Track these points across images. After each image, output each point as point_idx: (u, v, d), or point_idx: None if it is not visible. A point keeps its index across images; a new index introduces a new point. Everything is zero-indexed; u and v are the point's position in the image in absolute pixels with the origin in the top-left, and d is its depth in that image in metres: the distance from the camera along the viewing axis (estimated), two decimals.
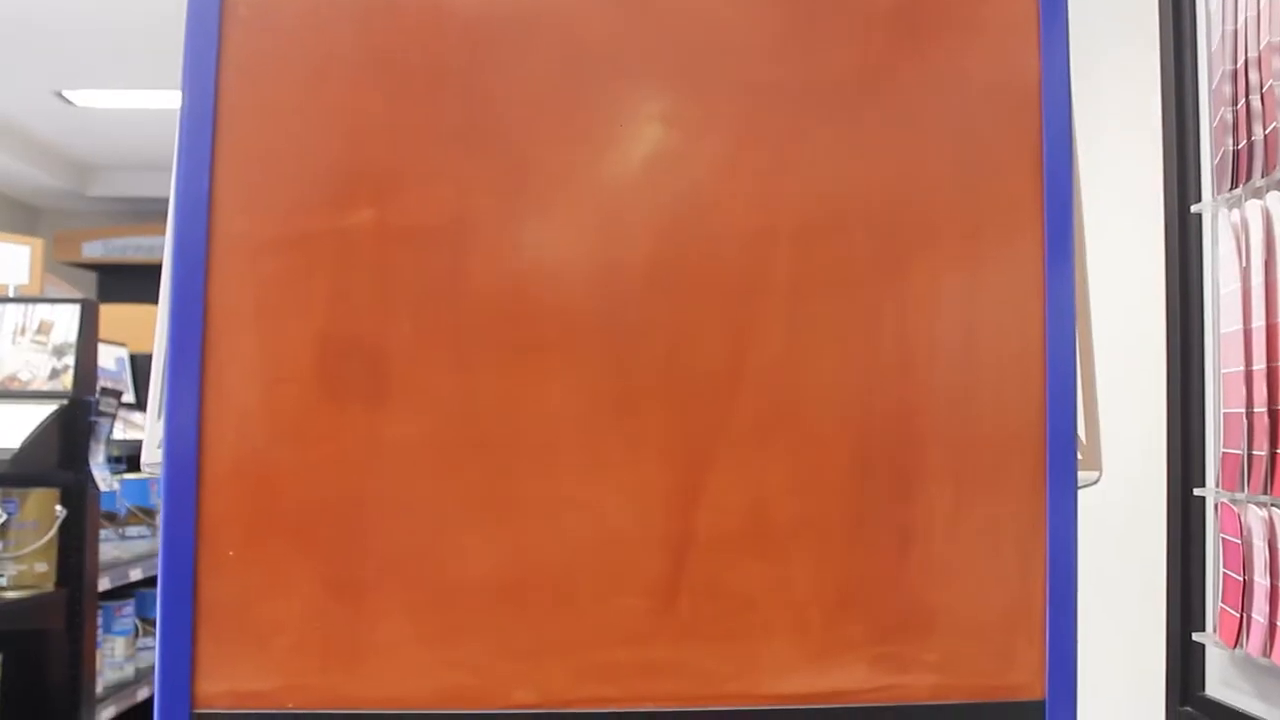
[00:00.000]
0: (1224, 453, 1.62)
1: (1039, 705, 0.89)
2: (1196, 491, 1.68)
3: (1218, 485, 1.63)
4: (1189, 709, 1.69)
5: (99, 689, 2.86)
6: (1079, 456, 0.94)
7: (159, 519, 0.86)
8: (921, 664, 0.88)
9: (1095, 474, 0.99)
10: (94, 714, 2.80)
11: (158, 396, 0.94)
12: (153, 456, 0.94)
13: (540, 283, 0.88)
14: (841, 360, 0.89)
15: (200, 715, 0.84)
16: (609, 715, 0.85)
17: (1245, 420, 1.55)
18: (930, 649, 0.88)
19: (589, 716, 0.85)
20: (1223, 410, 1.63)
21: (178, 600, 0.84)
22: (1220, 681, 1.66)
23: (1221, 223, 1.62)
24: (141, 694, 3.06)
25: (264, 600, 0.84)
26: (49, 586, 2.68)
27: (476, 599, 0.85)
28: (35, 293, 3.44)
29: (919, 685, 0.88)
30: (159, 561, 0.85)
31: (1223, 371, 1.64)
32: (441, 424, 0.86)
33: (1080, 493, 0.93)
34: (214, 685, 0.84)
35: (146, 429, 0.99)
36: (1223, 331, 1.63)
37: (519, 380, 0.87)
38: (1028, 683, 0.89)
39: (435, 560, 0.85)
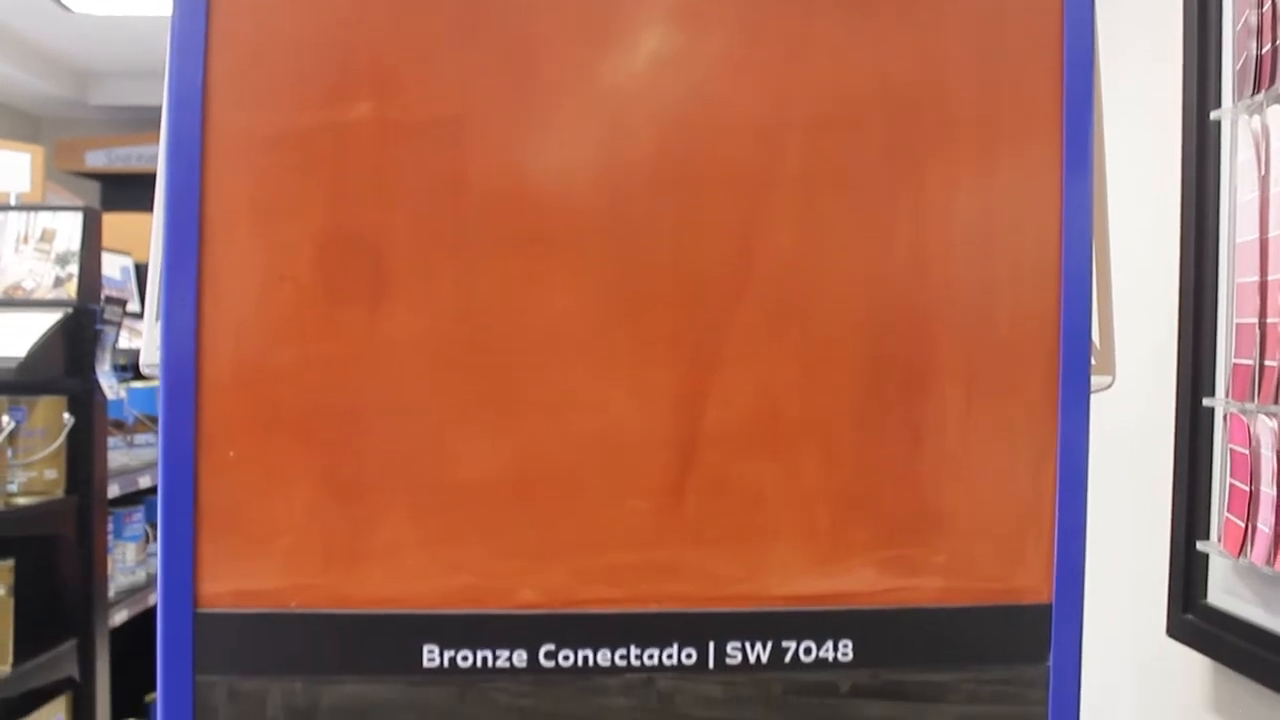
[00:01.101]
0: (1235, 363, 1.60)
1: (1045, 609, 0.89)
2: (1206, 402, 1.66)
3: (1228, 396, 1.62)
4: (1190, 616, 1.70)
5: (111, 593, 2.90)
6: (1092, 361, 0.92)
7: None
8: (929, 566, 0.87)
9: (1108, 379, 0.98)
10: (106, 617, 2.84)
11: (155, 298, 0.93)
12: (152, 358, 0.93)
13: (544, 179, 0.86)
14: (853, 258, 0.87)
15: (204, 615, 0.84)
16: (614, 616, 0.85)
17: (1258, 330, 1.53)
18: (938, 551, 0.87)
19: (594, 618, 0.85)
20: (1235, 320, 1.62)
21: (179, 501, 0.84)
22: (1222, 590, 1.66)
23: (1241, 129, 1.58)
24: (152, 598, 3.10)
25: (265, 501, 0.83)
26: (59, 493, 2.70)
27: (480, 499, 0.84)
28: (37, 201, 3.41)
29: (926, 588, 0.87)
30: (159, 462, 0.84)
31: (1237, 281, 1.62)
32: (443, 323, 0.84)
33: (1091, 398, 0.92)
34: (217, 585, 0.84)
35: (145, 331, 0.98)
36: (1238, 241, 1.60)
37: (522, 278, 0.85)
38: (1035, 586, 0.89)
39: (438, 460, 0.84)
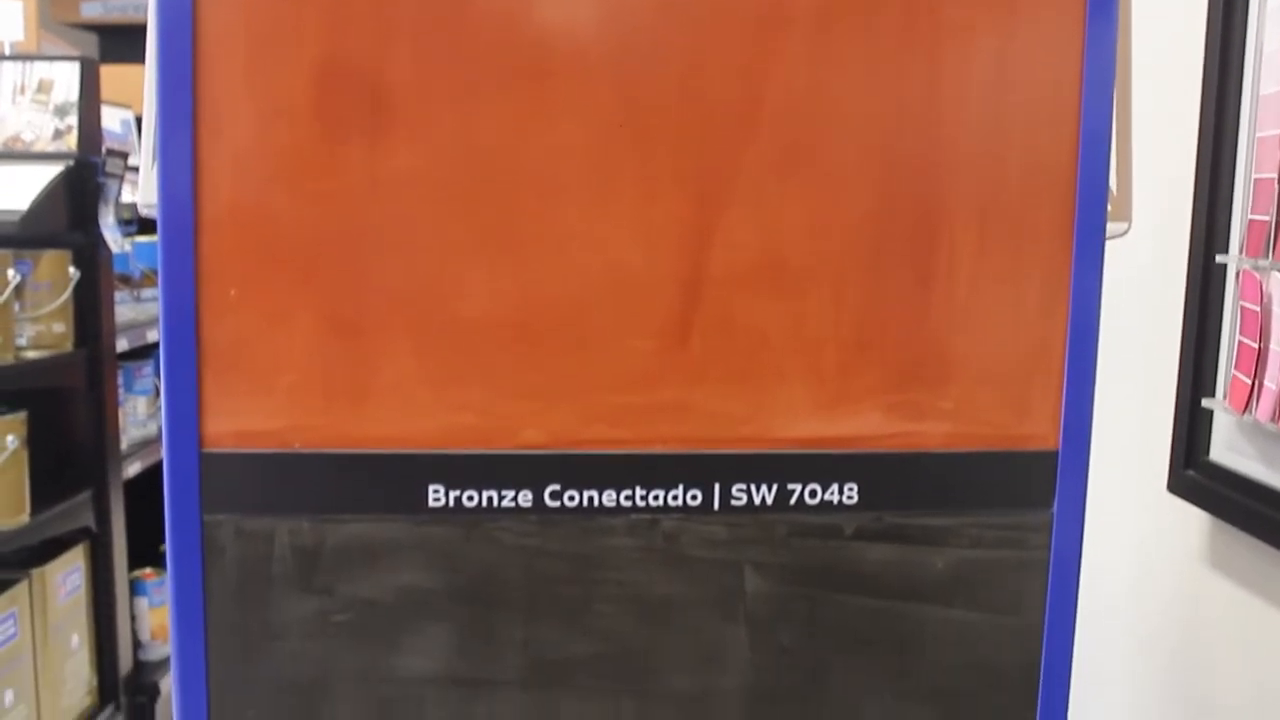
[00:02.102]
0: (1251, 219, 1.58)
1: (1052, 455, 0.89)
2: (1219, 258, 1.65)
3: (1241, 252, 1.60)
4: (1192, 472, 1.71)
5: (123, 446, 2.93)
6: (1108, 207, 0.90)
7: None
8: (937, 411, 0.87)
9: (1124, 225, 0.96)
10: (120, 469, 2.88)
11: (151, 137, 0.91)
12: (150, 199, 0.91)
13: (549, 10, 0.83)
14: (866, 98, 0.85)
15: (209, 455, 0.84)
16: (619, 457, 0.85)
17: (1277, 186, 1.50)
18: (946, 396, 0.87)
19: (599, 458, 0.85)
20: (1254, 175, 1.59)
21: (181, 341, 0.83)
22: (1225, 447, 1.67)
23: None
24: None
25: (267, 340, 0.83)
26: (68, 347, 2.71)
27: (483, 338, 0.83)
28: (32, 51, 3.33)
29: (933, 432, 0.87)
30: (160, 303, 0.83)
31: (1258, 135, 1.58)
32: (445, 157, 0.82)
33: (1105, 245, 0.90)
34: (220, 425, 0.84)
35: (142, 170, 0.96)
36: (1262, 93, 1.56)
37: (526, 111, 0.83)
38: (1041, 433, 0.89)
39: (440, 299, 0.83)
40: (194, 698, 0.86)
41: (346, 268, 0.82)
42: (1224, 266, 1.64)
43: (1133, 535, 1.96)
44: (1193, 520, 1.76)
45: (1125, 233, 0.96)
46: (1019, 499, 0.89)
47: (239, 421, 0.84)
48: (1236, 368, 1.61)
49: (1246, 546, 1.63)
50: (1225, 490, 1.63)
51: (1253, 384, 1.56)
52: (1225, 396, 1.64)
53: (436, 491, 0.84)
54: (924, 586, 0.88)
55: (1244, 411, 1.57)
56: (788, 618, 0.87)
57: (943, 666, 0.90)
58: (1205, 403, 1.67)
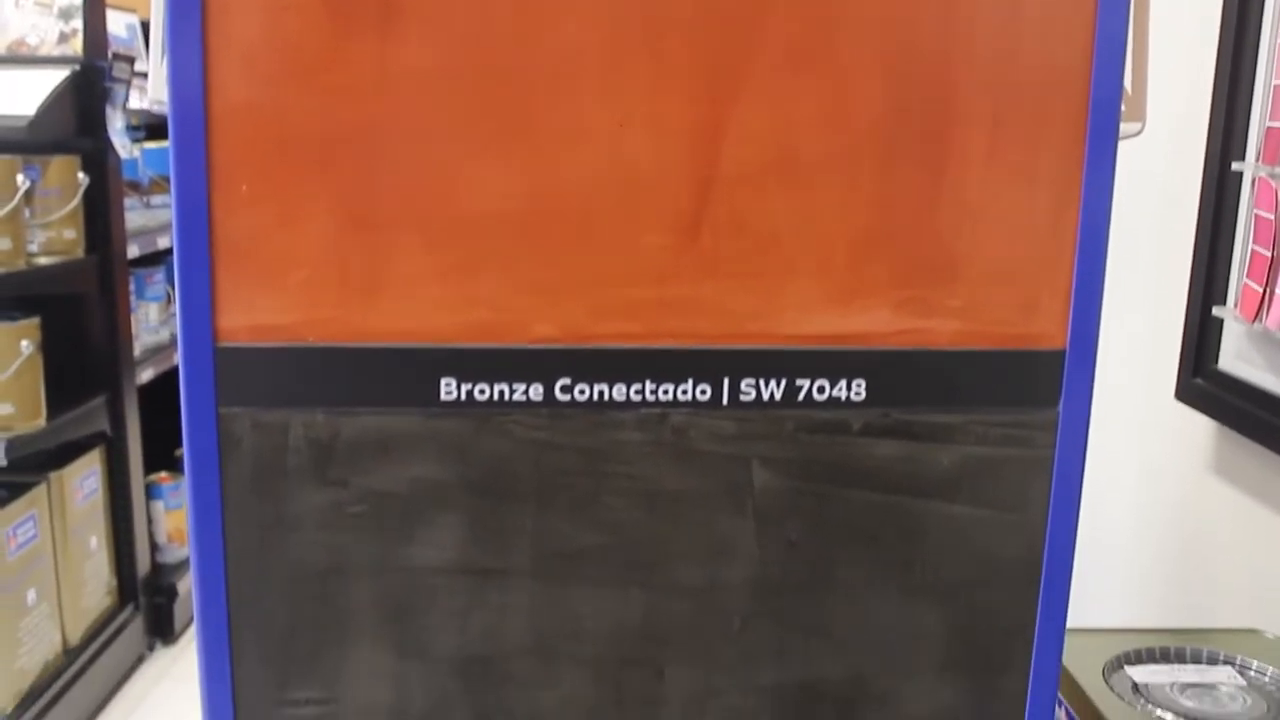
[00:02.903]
0: (1269, 126, 1.56)
1: (1059, 354, 0.89)
2: (1235, 165, 1.63)
3: (1258, 160, 1.59)
4: (1200, 380, 1.72)
5: (136, 352, 2.96)
6: (1121, 107, 0.90)
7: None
8: (945, 309, 0.87)
9: (1138, 125, 0.95)
10: (134, 374, 2.91)
11: (161, 32, 0.90)
12: (160, 94, 0.91)
13: None
14: None
15: (223, 349, 0.85)
16: (629, 351, 0.85)
17: None
18: (955, 294, 0.87)
19: (610, 352, 0.85)
20: (1274, 82, 1.57)
21: (194, 236, 0.83)
22: (1234, 355, 1.68)
23: None
24: (177, 357, 3.16)
25: (280, 235, 0.83)
26: (79, 253, 2.72)
27: (495, 233, 0.84)
28: None
29: (941, 330, 0.87)
30: (172, 198, 0.83)
31: (1278, 43, 1.56)
32: (456, 50, 0.82)
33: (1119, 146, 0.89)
34: (234, 320, 0.84)
35: (151, 65, 0.96)
36: None
37: (537, 4, 0.82)
38: (1050, 333, 0.89)
39: (452, 193, 0.83)
40: (213, 587, 0.88)
41: (358, 162, 0.82)
42: (1240, 174, 1.63)
43: (1139, 443, 1.97)
44: (1199, 428, 1.77)
45: (1139, 133, 0.96)
46: (1025, 397, 0.89)
47: (253, 316, 0.84)
48: (1248, 275, 1.61)
49: (1253, 454, 1.64)
50: (1233, 398, 1.64)
51: (1264, 292, 1.56)
52: (1236, 304, 1.64)
53: (448, 385, 0.85)
54: (929, 482, 0.89)
55: (1254, 320, 1.57)
56: (795, 512, 0.89)
57: (947, 561, 0.91)
58: (1216, 311, 1.67)
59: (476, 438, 0.86)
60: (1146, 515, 1.96)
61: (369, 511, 0.86)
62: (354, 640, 0.88)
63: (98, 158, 2.74)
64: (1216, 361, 1.70)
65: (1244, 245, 1.63)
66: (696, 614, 0.90)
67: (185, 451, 0.86)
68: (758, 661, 0.91)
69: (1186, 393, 1.76)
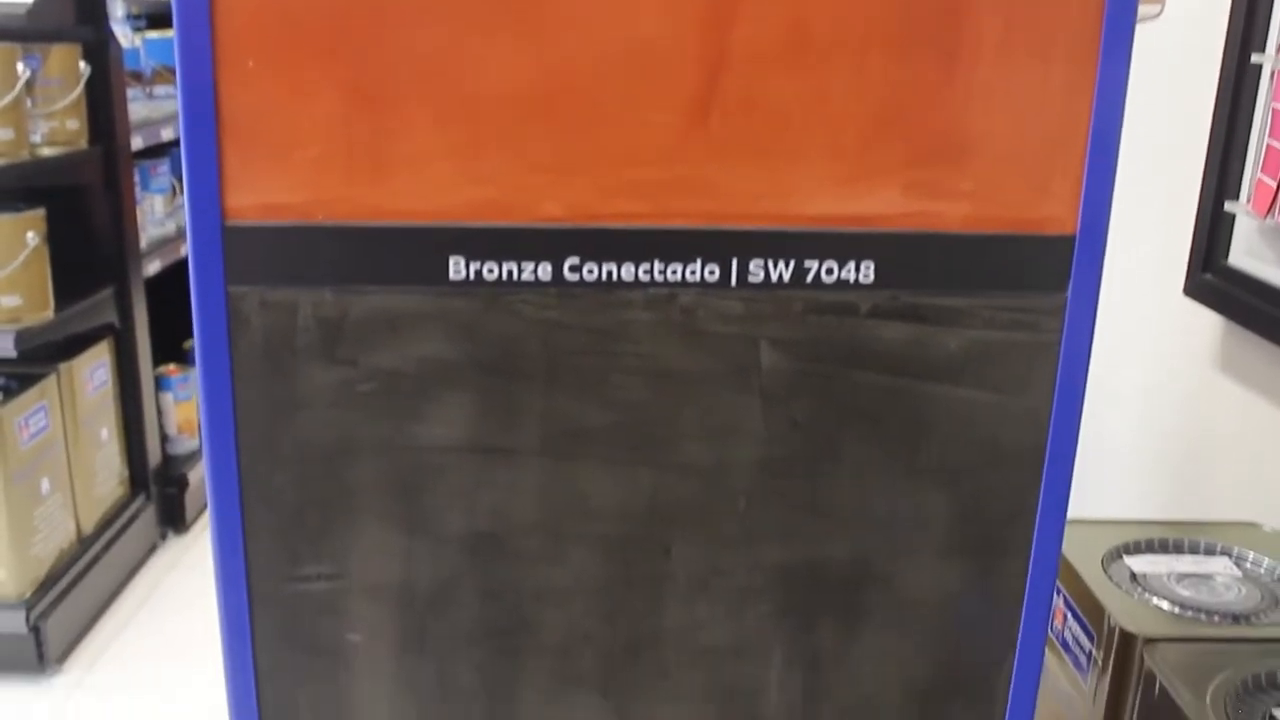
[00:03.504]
0: None
1: (1069, 239, 0.89)
2: (1255, 57, 1.60)
3: (1278, 52, 1.56)
4: (1209, 276, 1.71)
5: (142, 244, 2.95)
6: None
7: None
8: (955, 192, 0.86)
9: (1157, 8, 0.94)
10: (140, 266, 2.91)
11: None
12: None
13: None
14: None
15: (232, 227, 0.84)
16: (638, 231, 0.85)
17: None
18: (966, 176, 0.86)
19: (618, 232, 0.85)
20: None
21: (200, 114, 0.83)
22: (1244, 251, 1.67)
23: None
24: (183, 249, 3.16)
25: (288, 112, 0.82)
26: (82, 144, 2.70)
27: (504, 111, 0.83)
28: None
29: (952, 213, 0.87)
30: (177, 72, 0.82)
31: None
32: None
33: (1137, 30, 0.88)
34: (242, 198, 0.84)
35: None
36: None
37: None
38: (1060, 217, 0.89)
39: (461, 70, 0.82)
40: (224, 465, 0.89)
41: (367, 38, 0.81)
42: (1259, 66, 1.60)
43: (1145, 338, 1.97)
44: (1207, 324, 1.77)
45: (1158, 15, 0.94)
46: (1034, 282, 0.89)
47: (261, 194, 0.84)
48: (1262, 170, 1.59)
49: (1260, 350, 1.64)
50: (1242, 294, 1.64)
51: (1277, 187, 1.54)
52: (1248, 200, 1.62)
53: (457, 264, 0.85)
54: (936, 366, 0.90)
55: (1266, 215, 1.56)
56: (801, 393, 0.89)
57: (951, 444, 0.92)
58: (1228, 205, 1.66)
59: (485, 317, 0.86)
60: (1150, 409, 1.97)
61: (378, 390, 0.87)
62: (363, 517, 0.90)
63: (99, 47, 2.70)
64: (1227, 257, 1.70)
65: (1260, 139, 1.61)
66: (703, 493, 0.91)
67: (195, 331, 0.87)
68: (763, 541, 0.92)
69: (1195, 288, 1.75)
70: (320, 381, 0.86)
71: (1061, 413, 0.93)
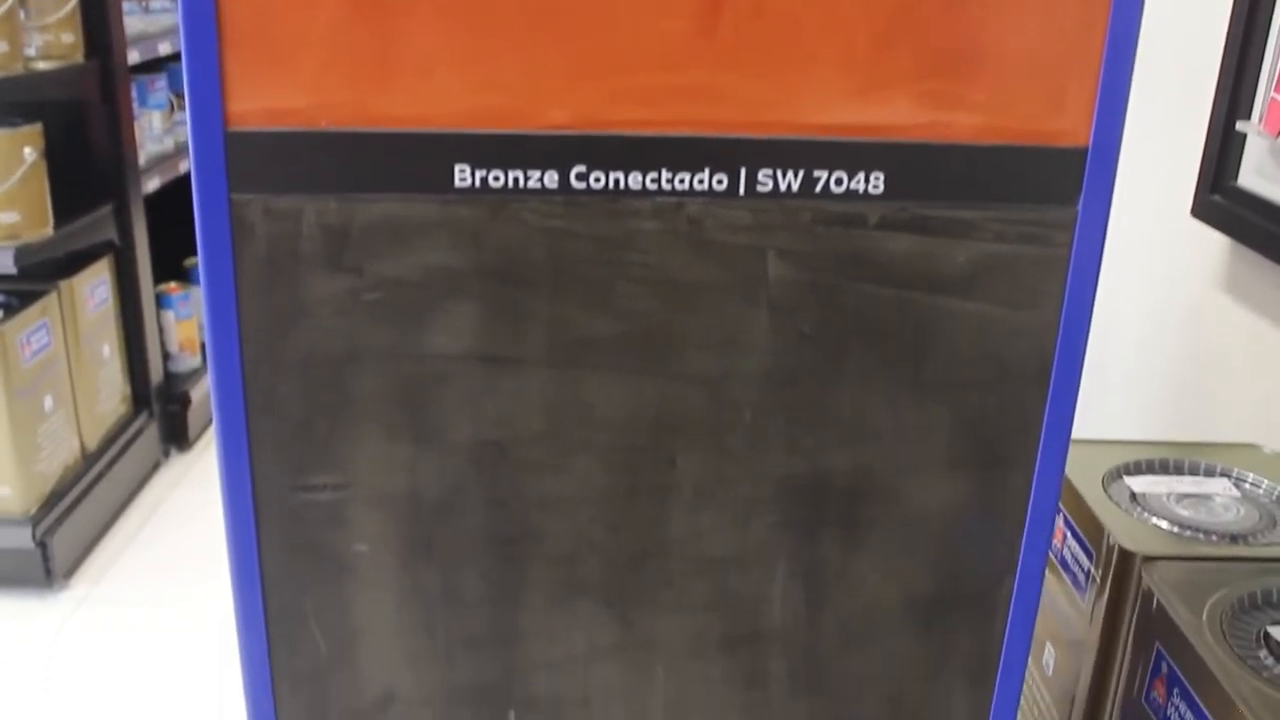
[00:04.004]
0: None
1: (1081, 152, 0.88)
2: None
3: None
4: (1217, 197, 1.70)
5: (141, 161, 2.93)
6: None
7: None
8: (968, 102, 0.85)
9: None
10: (139, 182, 2.89)
11: None
12: None
13: None
14: None
15: (234, 134, 0.83)
16: (646, 139, 0.84)
17: None
18: (979, 87, 0.85)
19: (626, 140, 0.84)
20: None
21: (202, 15, 0.81)
22: (1254, 172, 1.65)
23: None
24: (183, 166, 3.13)
25: (290, 14, 0.81)
26: (78, 58, 2.66)
27: (511, 15, 0.81)
28: None
29: (963, 123, 0.86)
30: None
31: None
32: None
33: None
34: (246, 104, 0.83)
35: None
36: None
37: None
38: (1073, 129, 0.87)
39: None
40: (229, 375, 0.88)
41: None
42: None
43: (1150, 258, 1.96)
44: (1214, 245, 1.76)
45: None
46: (1045, 195, 0.88)
47: (264, 99, 0.82)
48: (1276, 89, 1.57)
49: (1266, 272, 1.63)
50: (1250, 216, 1.63)
51: None
52: (1260, 119, 1.60)
53: (463, 171, 0.84)
54: (944, 278, 0.89)
55: (1279, 135, 1.54)
56: (808, 304, 0.89)
57: (957, 358, 0.91)
58: (1239, 125, 1.64)
59: (491, 225, 0.85)
60: (1154, 330, 1.97)
61: (383, 299, 0.86)
62: (369, 426, 0.90)
63: None
64: (1236, 178, 1.68)
65: (1274, 57, 1.59)
66: (708, 404, 0.91)
67: (198, 239, 0.86)
68: (768, 452, 0.93)
69: (1203, 209, 1.74)
70: (325, 290, 0.86)
71: (1069, 328, 0.92)
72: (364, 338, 0.87)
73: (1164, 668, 1.21)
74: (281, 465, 0.91)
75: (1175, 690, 1.18)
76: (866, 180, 0.86)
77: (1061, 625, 1.46)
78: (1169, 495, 1.45)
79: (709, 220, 0.86)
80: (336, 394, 0.89)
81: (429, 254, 0.85)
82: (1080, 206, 0.89)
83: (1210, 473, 1.52)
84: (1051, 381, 0.94)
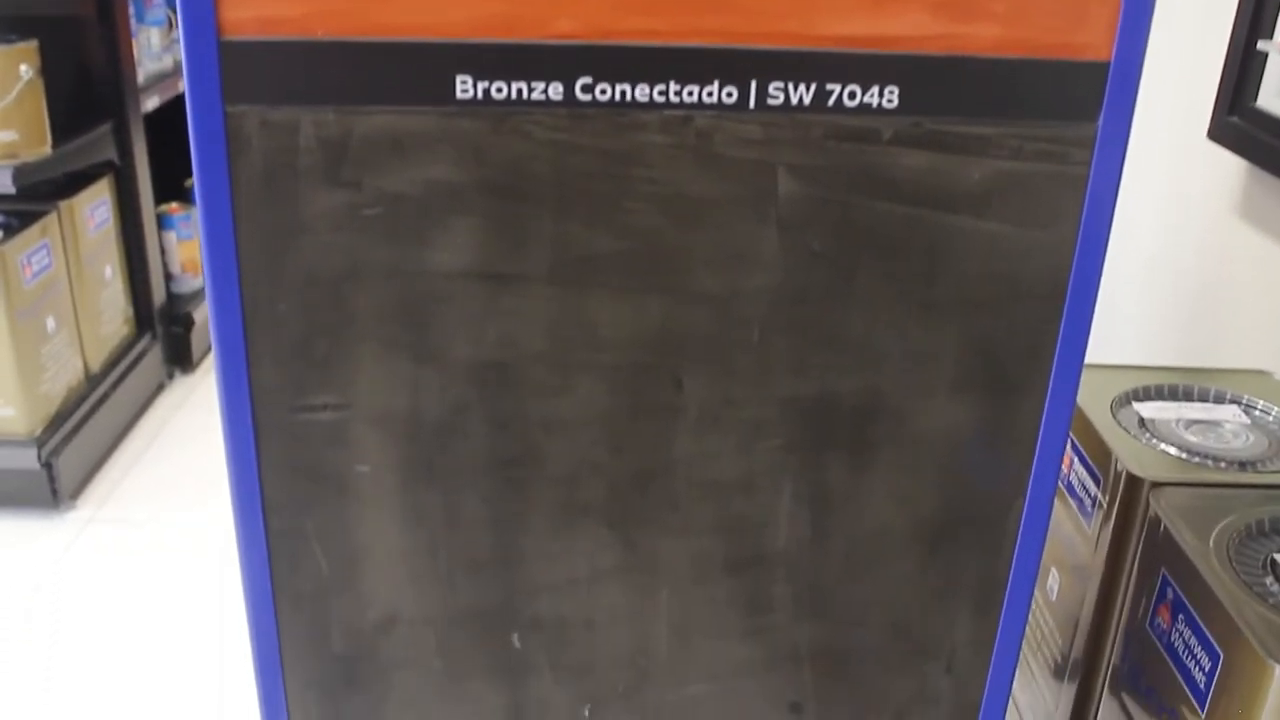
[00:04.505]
0: None
1: (1103, 67, 0.85)
2: None
3: None
4: (1235, 119, 1.66)
5: (140, 79, 2.88)
6: None
7: None
8: (987, 13, 0.82)
9: None
10: (138, 101, 2.85)
11: None
12: None
13: None
14: None
15: (228, 43, 0.81)
16: (654, 49, 0.81)
17: None
18: None
19: (633, 50, 0.81)
20: None
21: None
22: (1274, 94, 1.62)
23: None
24: (182, 84, 3.08)
25: None
26: None
27: None
28: None
29: (982, 36, 0.83)
30: None
31: None
32: None
33: None
34: (239, 11, 0.80)
35: None
36: None
37: None
38: (1095, 43, 0.84)
39: None
40: (226, 293, 0.87)
41: None
42: None
43: (1164, 181, 1.93)
44: (1230, 169, 1.73)
45: None
46: (1064, 111, 0.86)
47: (258, 7, 0.80)
48: None
49: None
50: (1268, 138, 1.59)
51: None
52: None
53: (464, 82, 0.81)
54: (959, 196, 0.87)
55: None
56: (819, 221, 0.86)
57: (970, 278, 0.89)
58: (1260, 45, 1.60)
59: (493, 138, 0.82)
60: (1166, 254, 1.94)
61: (383, 214, 0.84)
62: (369, 345, 0.88)
63: None
64: (1255, 99, 1.64)
65: None
66: (715, 323, 0.89)
67: (193, 152, 0.84)
68: (775, 373, 0.91)
69: (1220, 131, 1.70)
70: (323, 205, 0.84)
71: (1085, 249, 0.90)
72: (364, 254, 0.85)
73: (1169, 594, 1.21)
74: (281, 385, 0.89)
75: (1180, 616, 1.18)
76: (880, 94, 0.83)
77: (1067, 550, 1.45)
78: (1178, 421, 1.44)
79: (718, 134, 0.83)
80: (336, 312, 0.87)
81: (430, 168, 0.83)
82: (1100, 123, 0.87)
83: (1220, 399, 1.50)
84: (1066, 304, 0.92)
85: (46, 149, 2.49)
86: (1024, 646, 1.26)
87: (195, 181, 0.84)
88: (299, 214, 0.84)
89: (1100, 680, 1.38)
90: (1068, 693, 1.43)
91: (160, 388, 3.07)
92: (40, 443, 2.48)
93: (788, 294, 0.88)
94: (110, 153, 2.79)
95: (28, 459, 2.47)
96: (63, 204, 2.62)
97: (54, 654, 2.13)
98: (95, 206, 2.75)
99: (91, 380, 2.74)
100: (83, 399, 2.66)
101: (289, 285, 0.86)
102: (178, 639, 2.17)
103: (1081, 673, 1.40)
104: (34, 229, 2.49)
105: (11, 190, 2.36)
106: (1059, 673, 1.46)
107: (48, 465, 2.49)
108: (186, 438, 2.87)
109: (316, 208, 0.84)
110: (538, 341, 0.88)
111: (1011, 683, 1.08)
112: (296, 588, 0.96)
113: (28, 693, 2.03)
